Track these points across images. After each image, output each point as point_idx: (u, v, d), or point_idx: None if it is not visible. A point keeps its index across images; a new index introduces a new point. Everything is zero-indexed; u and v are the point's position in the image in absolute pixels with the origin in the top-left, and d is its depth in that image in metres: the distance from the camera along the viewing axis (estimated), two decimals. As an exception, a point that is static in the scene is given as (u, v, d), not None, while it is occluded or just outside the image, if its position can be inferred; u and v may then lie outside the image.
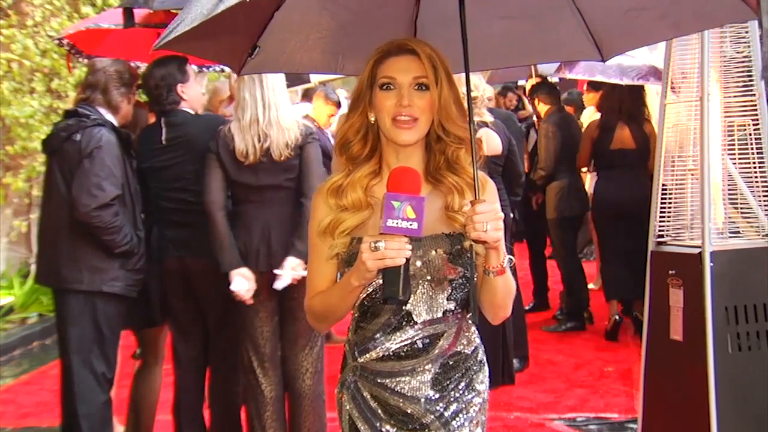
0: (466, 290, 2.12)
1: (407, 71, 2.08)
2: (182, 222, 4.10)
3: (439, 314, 2.12)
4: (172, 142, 4.11)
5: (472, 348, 2.19)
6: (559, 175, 6.85)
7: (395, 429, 2.13)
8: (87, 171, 3.74)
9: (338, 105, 6.46)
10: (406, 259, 1.92)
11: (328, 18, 2.39)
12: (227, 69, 5.54)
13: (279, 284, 3.86)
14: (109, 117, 3.94)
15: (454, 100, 2.11)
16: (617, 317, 6.54)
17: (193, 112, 4.22)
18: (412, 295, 2.08)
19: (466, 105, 2.15)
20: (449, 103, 2.10)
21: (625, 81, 6.05)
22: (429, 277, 2.09)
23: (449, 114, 2.10)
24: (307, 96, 6.97)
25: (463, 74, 2.18)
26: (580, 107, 8.67)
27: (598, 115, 6.78)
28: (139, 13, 4.39)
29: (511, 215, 5.48)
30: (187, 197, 4.04)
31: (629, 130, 6.31)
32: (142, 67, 5.51)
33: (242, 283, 3.84)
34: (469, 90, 2.15)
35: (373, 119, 2.13)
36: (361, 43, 2.42)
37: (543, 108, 7.14)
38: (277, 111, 3.85)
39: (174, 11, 4.13)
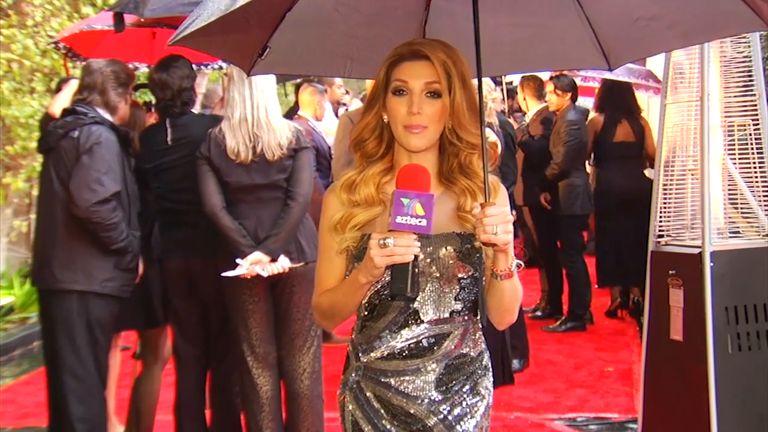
0: (474, 292, 2.12)
1: (420, 77, 2.08)
2: (186, 222, 4.10)
3: (446, 314, 2.11)
4: (177, 143, 4.10)
5: (478, 352, 2.19)
6: (574, 173, 6.85)
7: (398, 429, 2.13)
8: (86, 166, 3.71)
9: (323, 93, 6.55)
10: (415, 256, 1.92)
11: (339, 20, 2.39)
12: (224, 67, 5.56)
13: (229, 273, 3.83)
14: (108, 117, 3.93)
15: (468, 105, 2.11)
16: (619, 299, 7.17)
17: (196, 113, 4.23)
18: (420, 293, 2.08)
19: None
20: (462, 109, 2.10)
21: (632, 80, 6.50)
22: (438, 275, 2.09)
23: (461, 121, 2.10)
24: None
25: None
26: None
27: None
28: (130, 17, 4.40)
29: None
30: (191, 197, 4.01)
31: (629, 124, 6.76)
32: (141, 68, 5.53)
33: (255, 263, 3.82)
34: (481, 96, 2.16)
35: (386, 119, 2.14)
36: (370, 47, 2.44)
37: (555, 99, 7.06)
38: (266, 112, 3.85)
39: (162, 18, 4.14)
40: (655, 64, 6.46)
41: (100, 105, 3.93)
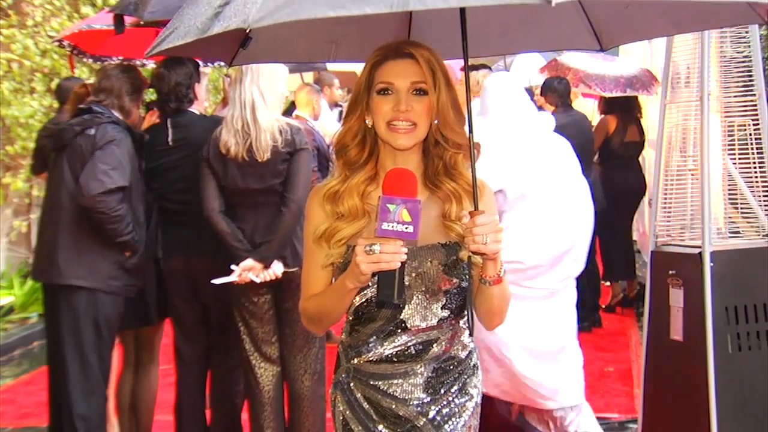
0: (461, 298, 2.10)
1: (405, 76, 2.04)
2: (187, 223, 4.08)
3: (434, 322, 2.10)
4: (178, 143, 4.10)
5: (467, 352, 2.18)
6: None
7: (389, 430, 2.12)
8: (97, 160, 3.75)
9: (319, 92, 6.58)
10: (402, 262, 1.88)
11: None
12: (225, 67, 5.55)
13: (218, 280, 3.83)
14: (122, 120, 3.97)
15: (452, 104, 2.07)
16: (621, 295, 7.49)
17: (198, 113, 4.23)
18: (407, 305, 2.05)
19: (465, 105, 2.12)
20: (447, 108, 2.06)
21: (629, 92, 6.89)
22: (424, 288, 2.06)
23: (446, 119, 2.06)
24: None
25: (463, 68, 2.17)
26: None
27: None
28: (131, 18, 4.40)
29: None
30: (191, 198, 4.01)
31: (635, 125, 7.17)
32: (148, 65, 5.54)
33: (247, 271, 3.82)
34: (468, 88, 2.12)
35: (370, 123, 2.09)
36: (354, 31, 2.40)
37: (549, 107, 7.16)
38: (252, 111, 3.80)
39: (162, 20, 4.13)
40: (656, 66, 6.55)
41: (116, 108, 3.98)
